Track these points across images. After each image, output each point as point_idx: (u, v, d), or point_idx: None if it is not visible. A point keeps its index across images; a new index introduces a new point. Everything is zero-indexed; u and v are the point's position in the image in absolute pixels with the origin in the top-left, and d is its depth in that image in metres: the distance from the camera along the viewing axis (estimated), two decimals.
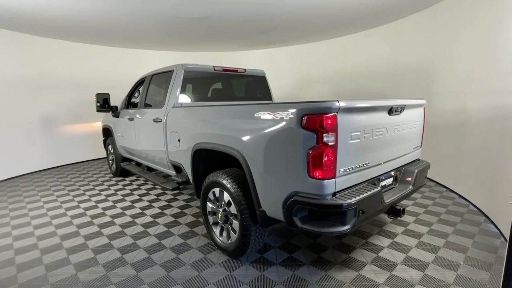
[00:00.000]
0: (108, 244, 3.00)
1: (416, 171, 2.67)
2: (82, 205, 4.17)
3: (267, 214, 2.23)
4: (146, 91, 4.20)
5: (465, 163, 3.98)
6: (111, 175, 5.82)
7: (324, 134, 1.82)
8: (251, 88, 4.40)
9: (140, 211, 3.88)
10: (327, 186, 1.87)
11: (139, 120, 4.16)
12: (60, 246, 2.97)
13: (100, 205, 4.15)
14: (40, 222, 3.61)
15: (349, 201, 1.86)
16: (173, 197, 4.41)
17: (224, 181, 2.54)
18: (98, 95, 4.73)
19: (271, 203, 2.18)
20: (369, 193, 2.02)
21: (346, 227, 1.88)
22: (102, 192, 4.73)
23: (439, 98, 4.55)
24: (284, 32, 6.18)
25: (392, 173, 2.58)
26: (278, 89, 6.94)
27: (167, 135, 3.47)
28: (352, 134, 2.00)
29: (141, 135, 4.15)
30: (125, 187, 4.98)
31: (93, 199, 4.41)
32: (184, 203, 4.15)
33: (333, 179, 1.90)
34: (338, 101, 1.83)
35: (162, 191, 4.69)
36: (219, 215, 2.71)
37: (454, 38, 4.25)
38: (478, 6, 3.77)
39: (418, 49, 5.07)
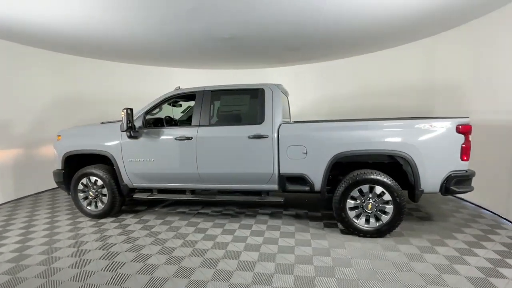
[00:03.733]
0: None
1: None
2: None
3: (423, 192, 3.35)
4: (210, 108, 3.92)
5: None
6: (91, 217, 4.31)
7: (469, 136, 3.26)
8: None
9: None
10: (468, 165, 3.32)
11: (212, 138, 3.81)
12: None
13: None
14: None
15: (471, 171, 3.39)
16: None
17: (379, 177, 3.37)
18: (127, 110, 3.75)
19: (430, 182, 3.32)
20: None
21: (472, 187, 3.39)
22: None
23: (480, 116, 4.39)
24: (311, 50, 6.36)
25: None
26: (301, 104, 7.52)
27: (280, 149, 3.64)
28: None
29: (220, 154, 3.83)
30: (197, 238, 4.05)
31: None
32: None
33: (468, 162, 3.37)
34: (468, 117, 3.33)
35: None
36: (369, 206, 3.45)
37: (494, 53, 4.20)
38: None
39: (455, 65, 5.01)
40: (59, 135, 4.44)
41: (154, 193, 4.25)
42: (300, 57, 7.11)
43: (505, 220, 3.93)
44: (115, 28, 4.67)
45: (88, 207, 4.35)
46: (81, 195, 4.33)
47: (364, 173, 3.44)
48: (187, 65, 7.82)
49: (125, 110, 3.73)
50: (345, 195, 3.48)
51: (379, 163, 3.79)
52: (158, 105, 4.18)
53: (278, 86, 3.89)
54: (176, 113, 5.17)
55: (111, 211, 4.30)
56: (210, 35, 4.83)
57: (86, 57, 6.67)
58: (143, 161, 4.04)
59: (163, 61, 7.29)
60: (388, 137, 3.39)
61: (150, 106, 4.14)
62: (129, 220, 4.26)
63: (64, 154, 4.30)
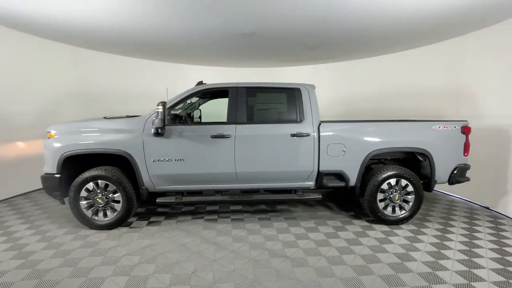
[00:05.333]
0: None
1: None
2: None
3: (437, 182, 3.97)
4: (247, 106, 3.80)
5: None
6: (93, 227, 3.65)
7: (469, 136, 4.01)
8: None
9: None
10: (468, 159, 4.07)
11: (252, 136, 3.70)
12: None
13: None
14: None
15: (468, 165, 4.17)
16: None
17: (407, 172, 3.86)
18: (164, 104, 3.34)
19: (442, 174, 3.95)
20: None
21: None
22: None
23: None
24: (330, 48, 6.17)
25: None
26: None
27: (320, 147, 3.78)
28: None
29: (261, 152, 3.76)
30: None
31: None
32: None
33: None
34: (467, 120, 4.08)
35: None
36: (396, 197, 3.90)
37: None
38: None
39: (480, 68, 4.88)
40: (51, 132, 3.62)
41: (178, 196, 3.86)
42: (317, 56, 7.00)
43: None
44: (133, 21, 4.52)
45: (95, 217, 3.67)
46: (83, 203, 3.62)
47: (399, 167, 3.89)
48: (201, 62, 7.66)
49: (161, 104, 3.31)
50: (377, 187, 3.85)
51: (395, 158, 4.31)
52: (184, 100, 3.83)
53: (313, 86, 4.03)
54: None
55: (125, 219, 3.73)
56: (230, 30, 4.65)
57: (99, 51, 6.50)
58: (171, 162, 3.64)
59: (178, 57, 7.13)
60: (413, 136, 3.90)
61: (175, 101, 3.77)
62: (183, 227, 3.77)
63: (62, 155, 3.54)
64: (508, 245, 3.36)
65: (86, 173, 3.59)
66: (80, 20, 4.47)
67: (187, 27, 4.68)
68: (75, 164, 3.74)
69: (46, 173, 3.62)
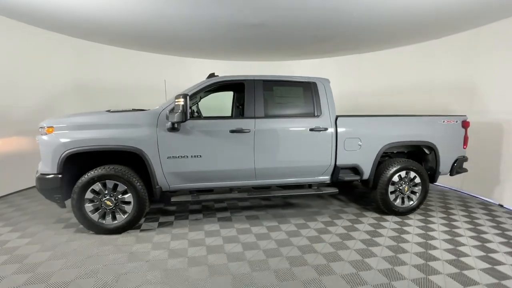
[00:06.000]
0: None
1: None
2: None
3: (440, 174, 4.20)
4: (264, 99, 3.68)
5: None
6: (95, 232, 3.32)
7: (468, 129, 4.28)
8: None
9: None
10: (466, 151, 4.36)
11: (272, 131, 3.60)
12: None
13: None
14: None
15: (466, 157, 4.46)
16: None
17: (414, 166, 4.03)
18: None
19: (445, 166, 4.18)
20: None
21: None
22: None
23: None
24: (339, 41, 6.02)
25: None
26: None
27: (337, 141, 3.79)
28: None
29: (281, 147, 3.68)
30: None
31: None
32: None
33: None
34: (466, 115, 4.35)
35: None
36: (406, 189, 4.05)
37: None
38: None
39: (495, 62, 4.77)
40: (51, 126, 3.20)
41: (194, 194, 3.65)
42: (323, 50, 6.84)
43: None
44: (135, 12, 4.35)
45: (102, 220, 3.33)
46: (89, 206, 3.26)
47: (405, 161, 4.03)
48: (202, 55, 7.50)
49: (183, 97, 3.06)
50: (390, 179, 3.97)
51: (400, 152, 4.48)
52: (198, 93, 3.61)
53: (328, 80, 4.01)
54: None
55: (137, 221, 3.43)
56: (238, 21, 4.45)
57: (104, 44, 6.41)
58: (187, 158, 3.42)
59: (180, 50, 6.97)
60: (422, 130, 4.07)
61: (191, 92, 3.52)
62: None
63: (64, 153, 3.14)
64: (507, 229, 3.68)
65: (92, 172, 3.23)
66: (81, 10, 4.27)
67: (193, 17, 4.45)
68: (75, 163, 3.35)
69: (43, 174, 3.20)
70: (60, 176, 3.17)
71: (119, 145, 3.25)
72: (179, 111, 3.07)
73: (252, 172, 3.65)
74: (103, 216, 3.34)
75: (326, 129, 3.76)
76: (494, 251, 3.11)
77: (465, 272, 2.70)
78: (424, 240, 3.34)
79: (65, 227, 3.57)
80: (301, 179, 3.90)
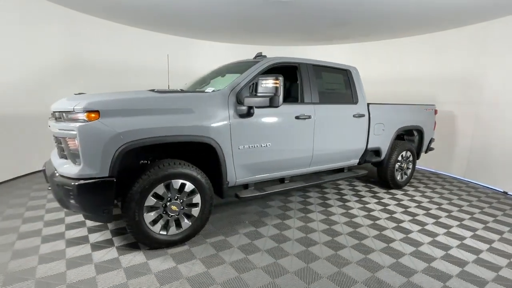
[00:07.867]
0: None
1: None
2: None
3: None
4: (310, 84, 3.57)
5: None
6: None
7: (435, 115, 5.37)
8: None
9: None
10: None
11: (328, 117, 3.58)
12: None
13: None
14: None
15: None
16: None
17: (412, 146, 4.82)
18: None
19: (424, 145, 5.16)
20: None
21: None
22: None
23: None
24: (355, 27, 5.79)
25: None
26: None
27: (370, 127, 4.12)
28: None
29: (333, 133, 3.73)
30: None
31: None
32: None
33: None
34: (434, 104, 5.41)
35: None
36: (405, 166, 4.82)
37: None
38: None
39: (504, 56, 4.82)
40: (95, 111, 2.22)
41: (261, 188, 3.29)
42: (336, 36, 6.64)
43: None
44: None
45: (163, 232, 2.61)
46: (150, 215, 2.50)
47: (407, 143, 4.79)
48: (220, 38, 7.11)
49: (280, 78, 2.65)
50: (397, 159, 4.63)
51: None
52: (258, 75, 3.18)
53: (356, 68, 4.23)
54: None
55: (202, 227, 2.85)
56: None
57: (102, 19, 5.86)
58: (258, 148, 3.04)
59: (193, 31, 6.52)
60: (418, 116, 4.87)
61: (250, 76, 3.06)
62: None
63: (121, 147, 2.28)
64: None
65: (160, 171, 2.46)
66: None
67: None
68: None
69: (84, 178, 2.22)
70: (113, 180, 2.28)
71: (193, 135, 2.58)
72: (274, 94, 2.67)
73: (309, 160, 3.57)
74: (165, 227, 2.63)
75: (363, 115, 4.02)
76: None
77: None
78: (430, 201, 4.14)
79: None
80: (342, 163, 4.07)
